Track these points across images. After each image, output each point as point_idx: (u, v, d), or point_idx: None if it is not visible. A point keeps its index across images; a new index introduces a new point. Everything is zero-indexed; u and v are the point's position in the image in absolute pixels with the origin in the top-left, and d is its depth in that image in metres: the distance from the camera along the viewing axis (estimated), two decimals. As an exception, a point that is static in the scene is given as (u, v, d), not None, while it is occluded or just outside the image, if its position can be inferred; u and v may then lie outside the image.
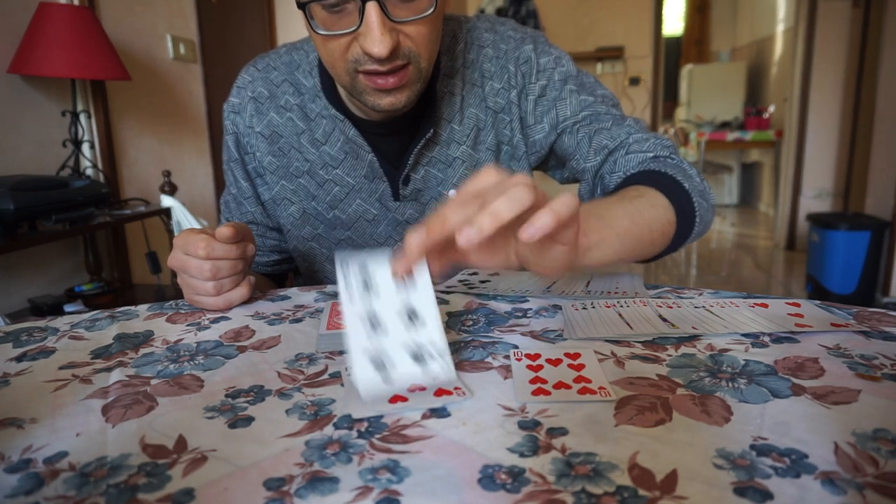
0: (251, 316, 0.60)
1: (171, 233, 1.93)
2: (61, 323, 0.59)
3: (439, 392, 0.40)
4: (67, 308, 1.63)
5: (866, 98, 3.26)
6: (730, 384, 0.40)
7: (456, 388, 0.40)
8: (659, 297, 0.59)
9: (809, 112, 3.71)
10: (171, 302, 0.65)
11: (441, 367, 0.40)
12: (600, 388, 0.40)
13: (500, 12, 4.38)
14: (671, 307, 0.55)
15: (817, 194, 3.79)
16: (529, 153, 0.80)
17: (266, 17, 3.00)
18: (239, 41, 2.81)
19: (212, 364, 0.48)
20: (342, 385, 0.43)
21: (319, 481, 0.31)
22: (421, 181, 0.77)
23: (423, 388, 0.40)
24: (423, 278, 0.42)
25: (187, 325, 0.58)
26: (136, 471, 0.33)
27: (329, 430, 0.36)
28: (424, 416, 0.37)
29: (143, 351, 0.51)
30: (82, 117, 1.83)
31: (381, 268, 0.43)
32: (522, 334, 0.51)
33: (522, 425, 0.36)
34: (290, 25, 3.05)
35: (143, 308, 0.64)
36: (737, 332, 0.49)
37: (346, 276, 0.42)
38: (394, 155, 0.77)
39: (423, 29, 0.62)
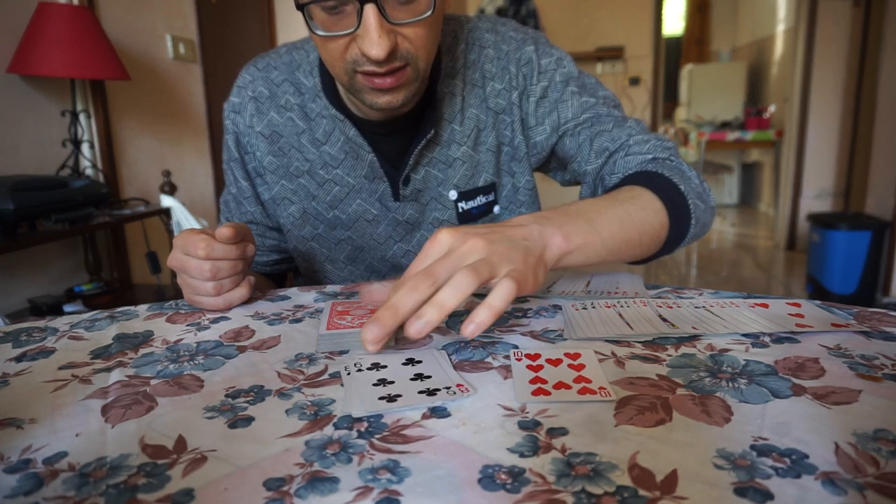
0: (251, 316, 0.60)
1: (170, 233, 1.93)
2: (61, 323, 0.59)
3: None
4: (67, 308, 1.63)
5: (866, 98, 3.26)
6: (730, 384, 0.40)
7: (458, 385, 0.41)
8: (659, 297, 0.59)
9: (810, 112, 3.71)
10: (171, 302, 0.65)
11: (448, 395, 0.40)
12: (600, 388, 0.40)
13: (501, 12, 4.38)
14: (671, 307, 0.55)
15: (818, 194, 3.79)
16: (530, 154, 0.80)
17: (266, 17, 3.00)
18: (239, 41, 2.81)
19: (212, 364, 0.48)
20: (342, 385, 0.42)
21: (319, 481, 0.31)
22: (421, 181, 0.77)
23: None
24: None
25: (187, 326, 0.58)
26: (135, 471, 0.33)
27: (329, 430, 0.36)
28: (424, 416, 0.37)
29: (142, 351, 0.51)
30: (82, 117, 1.83)
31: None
32: (522, 334, 0.51)
33: (522, 425, 0.36)
34: (290, 25, 3.05)
35: (142, 308, 0.64)
36: (737, 332, 0.49)
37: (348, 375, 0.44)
38: (394, 155, 0.77)
39: (422, 31, 0.62)
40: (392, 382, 0.42)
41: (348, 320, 0.54)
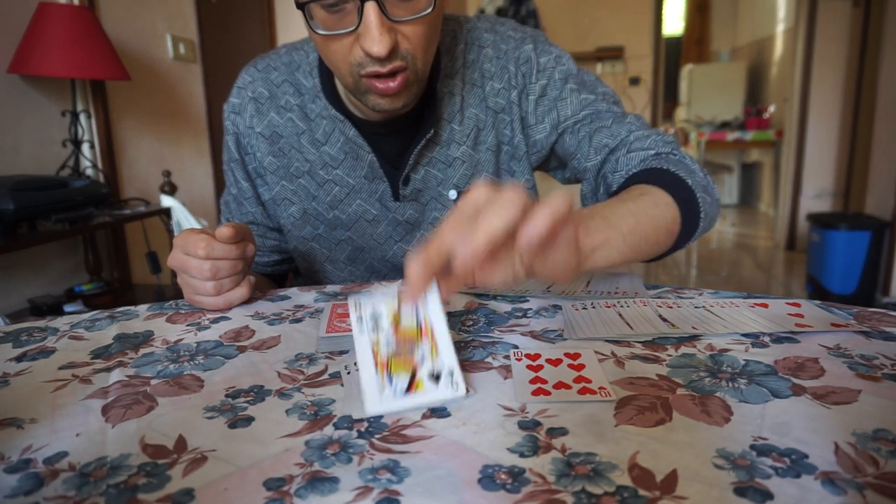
0: (251, 316, 0.60)
1: (171, 233, 1.93)
2: (61, 323, 0.59)
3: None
4: (67, 308, 1.63)
5: (866, 98, 3.26)
6: (730, 384, 0.40)
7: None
8: (659, 297, 0.59)
9: (809, 112, 3.70)
10: (171, 302, 0.65)
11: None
12: (600, 388, 0.40)
13: (500, 12, 4.38)
14: (671, 307, 0.55)
15: (817, 194, 3.78)
16: (530, 153, 0.80)
17: (266, 17, 3.00)
18: (239, 41, 2.81)
19: (212, 364, 0.48)
20: (342, 385, 0.42)
21: (319, 481, 0.31)
22: (421, 181, 0.77)
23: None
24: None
25: (187, 325, 0.58)
26: (135, 471, 0.33)
27: (329, 430, 0.36)
28: (424, 416, 0.37)
29: (142, 351, 0.51)
30: (82, 117, 1.83)
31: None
32: (522, 334, 0.51)
33: (522, 425, 0.36)
34: (290, 25, 3.05)
35: (142, 308, 0.64)
36: (737, 332, 0.49)
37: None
38: (394, 155, 0.77)
39: (420, 29, 0.62)
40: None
41: (348, 323, 0.54)
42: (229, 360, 0.48)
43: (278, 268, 0.91)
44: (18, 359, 0.50)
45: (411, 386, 0.39)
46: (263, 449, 0.34)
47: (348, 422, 0.37)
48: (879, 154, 3.02)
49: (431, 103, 0.74)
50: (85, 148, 1.83)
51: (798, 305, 0.54)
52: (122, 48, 1.96)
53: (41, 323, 0.60)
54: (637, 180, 0.65)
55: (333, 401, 0.40)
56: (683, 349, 0.46)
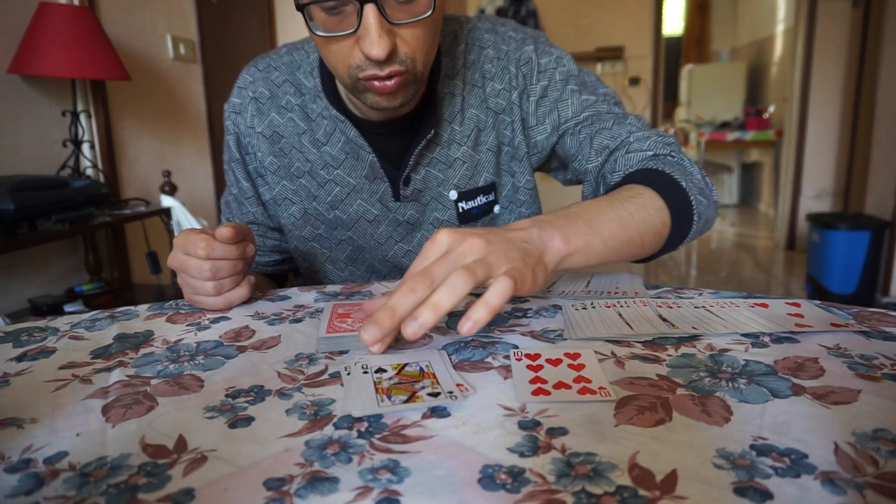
0: (251, 316, 0.60)
1: (171, 233, 1.93)
2: (61, 323, 0.59)
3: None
4: (67, 308, 1.63)
5: (866, 98, 3.26)
6: (730, 384, 0.40)
7: (458, 385, 0.41)
8: (659, 297, 0.59)
9: (809, 112, 3.71)
10: (171, 302, 0.65)
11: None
12: (600, 388, 0.40)
13: (500, 12, 4.38)
14: (671, 307, 0.55)
15: (817, 194, 3.79)
16: (531, 154, 0.80)
17: (266, 17, 3.00)
18: (239, 41, 2.81)
19: (212, 364, 0.48)
20: (342, 385, 0.43)
21: (319, 481, 0.31)
22: (421, 181, 0.77)
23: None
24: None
25: (187, 325, 0.58)
26: (136, 471, 0.33)
27: (329, 430, 0.36)
28: (424, 416, 0.37)
29: (143, 351, 0.51)
30: (82, 117, 1.83)
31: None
32: (522, 334, 0.51)
33: (522, 425, 0.36)
34: (290, 25, 3.05)
35: (143, 308, 0.64)
36: (737, 332, 0.49)
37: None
38: (394, 155, 0.77)
39: (420, 32, 0.62)
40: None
41: (349, 323, 0.54)
42: (229, 360, 0.48)
43: (279, 268, 0.91)
44: (19, 359, 0.50)
45: (410, 400, 0.39)
46: (263, 449, 0.34)
47: (348, 422, 0.37)
48: (879, 154, 3.02)
49: (432, 104, 0.74)
50: (85, 148, 1.83)
51: (798, 305, 0.54)
52: (122, 48, 1.96)
53: (41, 323, 0.60)
54: (632, 180, 0.66)
55: (333, 401, 0.40)
56: (683, 349, 0.46)
